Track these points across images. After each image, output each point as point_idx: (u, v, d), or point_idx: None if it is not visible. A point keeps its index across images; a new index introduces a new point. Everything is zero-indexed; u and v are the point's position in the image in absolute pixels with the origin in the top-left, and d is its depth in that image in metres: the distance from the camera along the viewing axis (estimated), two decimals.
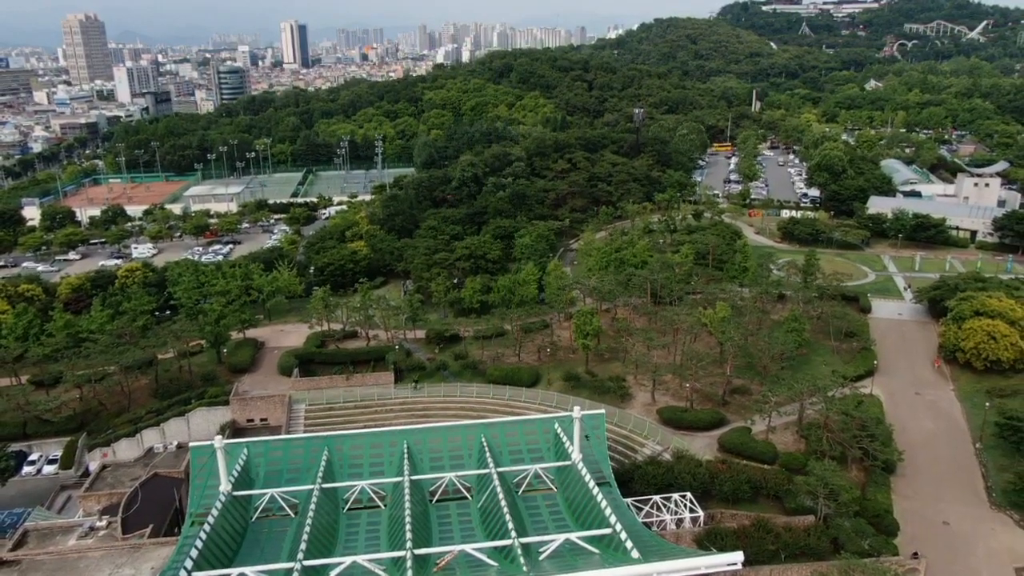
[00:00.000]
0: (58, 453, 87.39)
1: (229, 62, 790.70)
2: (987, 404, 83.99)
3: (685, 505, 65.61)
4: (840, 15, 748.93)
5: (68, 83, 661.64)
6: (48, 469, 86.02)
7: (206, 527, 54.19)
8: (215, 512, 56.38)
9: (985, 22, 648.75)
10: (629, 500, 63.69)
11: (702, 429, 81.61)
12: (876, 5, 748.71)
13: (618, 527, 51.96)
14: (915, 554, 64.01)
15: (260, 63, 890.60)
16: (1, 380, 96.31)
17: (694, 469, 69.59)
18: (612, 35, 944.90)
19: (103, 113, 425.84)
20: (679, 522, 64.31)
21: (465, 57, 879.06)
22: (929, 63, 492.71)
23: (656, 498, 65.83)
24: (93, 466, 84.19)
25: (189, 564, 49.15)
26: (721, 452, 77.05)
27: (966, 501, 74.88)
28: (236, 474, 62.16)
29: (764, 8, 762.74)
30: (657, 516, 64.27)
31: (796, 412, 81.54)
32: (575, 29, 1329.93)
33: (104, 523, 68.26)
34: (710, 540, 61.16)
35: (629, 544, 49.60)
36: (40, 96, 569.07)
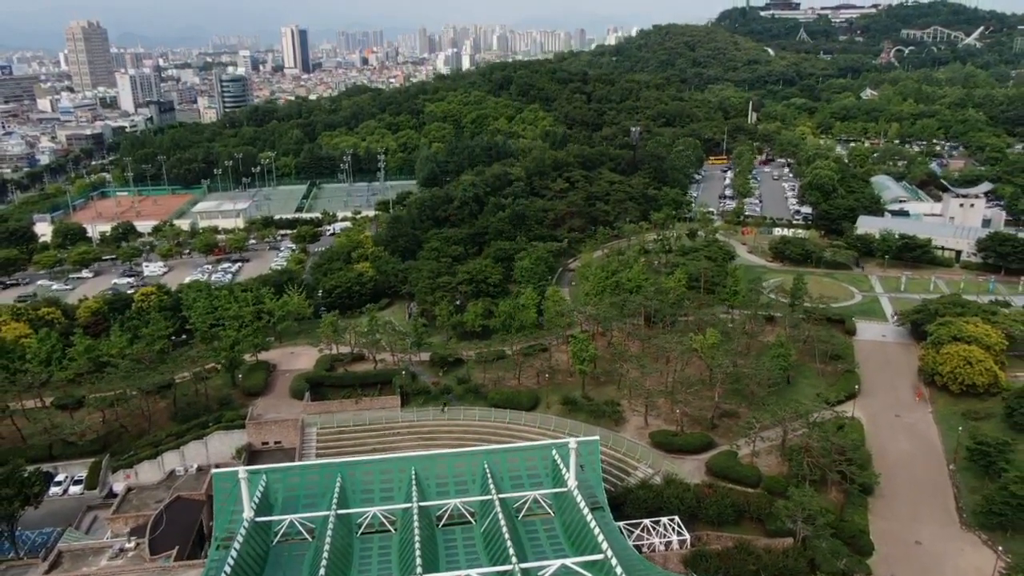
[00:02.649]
0: (83, 474, 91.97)
1: (231, 68, 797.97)
2: (960, 428, 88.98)
3: (673, 528, 70.72)
4: (838, 20, 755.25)
5: (71, 89, 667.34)
6: (74, 490, 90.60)
7: (233, 552, 59.08)
8: (240, 538, 61.29)
9: (982, 27, 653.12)
10: (621, 524, 68.63)
11: (691, 452, 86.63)
12: (874, 10, 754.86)
13: (609, 553, 56.94)
14: None
15: (261, 67, 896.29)
16: (27, 402, 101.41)
17: (682, 493, 74.74)
18: (611, 38, 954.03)
19: (108, 124, 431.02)
20: (667, 544, 69.40)
21: (465, 62, 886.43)
22: (925, 71, 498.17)
23: (646, 522, 71.01)
24: (117, 487, 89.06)
25: None
26: (708, 475, 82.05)
27: (939, 521, 79.82)
28: (257, 500, 67.06)
29: (762, 14, 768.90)
30: (647, 539, 69.39)
31: (780, 436, 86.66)
32: (574, 31, 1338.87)
33: (132, 544, 73.34)
34: (695, 562, 66.24)
35: (619, 570, 54.67)
36: (44, 103, 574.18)
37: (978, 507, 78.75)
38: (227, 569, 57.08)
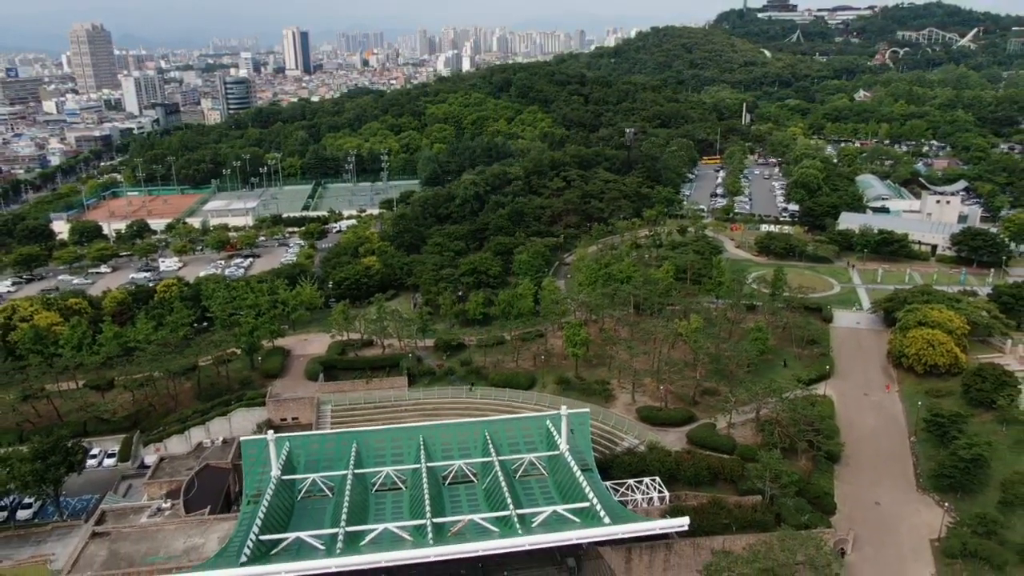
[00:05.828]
0: (115, 448, 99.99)
1: (232, 70, 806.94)
2: (919, 403, 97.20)
3: (654, 487, 78.88)
4: (834, 22, 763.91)
5: (75, 91, 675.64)
6: (108, 462, 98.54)
7: (264, 503, 67.28)
8: (269, 493, 69.52)
9: (976, 29, 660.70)
10: (608, 483, 76.76)
11: (674, 425, 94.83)
12: (869, 12, 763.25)
13: (595, 501, 65.28)
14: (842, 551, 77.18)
15: (263, 69, 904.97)
16: (62, 385, 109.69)
17: (663, 458, 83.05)
18: (611, 40, 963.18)
19: (116, 125, 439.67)
20: (649, 501, 77.54)
21: (465, 64, 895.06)
22: (918, 72, 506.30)
23: (630, 481, 79.28)
24: (149, 459, 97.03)
25: (256, 530, 62.41)
26: (689, 445, 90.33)
27: (897, 486, 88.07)
28: (282, 462, 75.30)
29: (760, 15, 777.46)
30: (631, 496, 77.54)
31: (755, 411, 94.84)
32: (574, 32, 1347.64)
33: (169, 505, 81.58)
34: (673, 515, 73.99)
35: (602, 513, 62.99)
36: (48, 105, 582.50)
37: (932, 472, 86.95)
38: (259, 519, 65.21)
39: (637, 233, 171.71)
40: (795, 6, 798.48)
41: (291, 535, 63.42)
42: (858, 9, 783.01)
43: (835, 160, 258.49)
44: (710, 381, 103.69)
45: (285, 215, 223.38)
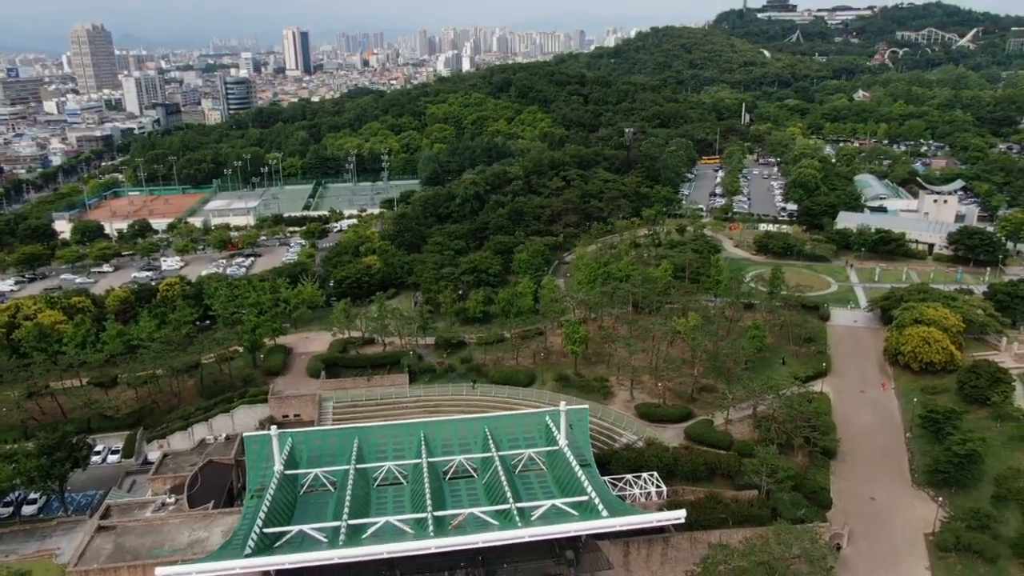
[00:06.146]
0: (119, 445, 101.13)
1: (233, 70, 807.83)
2: (915, 400, 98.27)
3: (652, 482, 79.99)
4: (834, 22, 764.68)
5: (76, 91, 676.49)
6: (112, 458, 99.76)
7: (267, 499, 68.27)
8: (272, 487, 70.54)
9: (975, 29, 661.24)
10: (606, 478, 77.68)
11: (672, 422, 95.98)
12: (869, 12, 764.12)
13: (593, 494, 66.27)
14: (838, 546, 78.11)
15: (263, 69, 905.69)
16: (65, 382, 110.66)
17: (661, 453, 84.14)
18: (610, 40, 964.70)
19: (117, 125, 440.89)
20: (647, 496, 78.64)
21: (465, 64, 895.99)
22: (917, 72, 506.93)
23: (628, 476, 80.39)
24: (152, 456, 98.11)
25: (260, 523, 63.46)
26: (687, 440, 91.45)
27: (893, 481, 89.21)
28: (285, 457, 76.33)
29: (759, 16, 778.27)
30: (629, 491, 78.63)
31: (752, 407, 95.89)
32: (574, 32, 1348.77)
33: (173, 500, 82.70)
34: (670, 509, 75.23)
35: (600, 506, 63.99)
36: (49, 105, 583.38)
37: (927, 467, 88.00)
38: (262, 513, 66.24)
39: (636, 232, 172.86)
40: (795, 6, 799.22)
41: (294, 528, 64.43)
42: (858, 9, 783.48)
43: (833, 160, 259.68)
44: (708, 378, 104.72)
45: (286, 215, 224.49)
